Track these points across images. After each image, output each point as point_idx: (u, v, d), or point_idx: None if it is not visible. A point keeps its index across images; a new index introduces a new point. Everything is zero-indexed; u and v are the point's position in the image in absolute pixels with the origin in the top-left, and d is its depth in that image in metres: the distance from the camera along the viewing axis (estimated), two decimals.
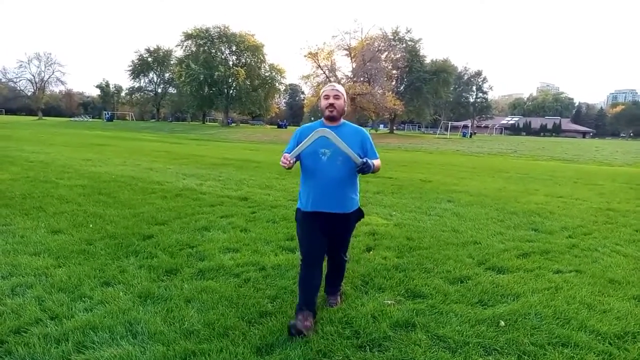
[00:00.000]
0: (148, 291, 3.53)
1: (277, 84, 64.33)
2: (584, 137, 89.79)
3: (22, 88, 74.65)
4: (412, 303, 3.54)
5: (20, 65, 72.79)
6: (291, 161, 2.93)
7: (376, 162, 3.16)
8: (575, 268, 4.57)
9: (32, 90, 73.63)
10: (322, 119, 3.25)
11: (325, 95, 3.17)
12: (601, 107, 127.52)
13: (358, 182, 3.30)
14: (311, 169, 3.12)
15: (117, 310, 3.19)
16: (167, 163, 13.06)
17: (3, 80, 78.57)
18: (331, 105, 3.13)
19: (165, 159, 14.54)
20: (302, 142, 3.00)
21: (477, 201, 8.40)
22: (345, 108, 3.20)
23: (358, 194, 3.31)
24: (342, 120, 3.23)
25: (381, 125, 79.02)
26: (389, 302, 3.53)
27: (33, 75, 72.55)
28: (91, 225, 5.38)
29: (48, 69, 73.28)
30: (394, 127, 59.98)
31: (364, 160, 3.00)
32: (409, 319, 3.24)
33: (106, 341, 2.81)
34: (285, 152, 3.00)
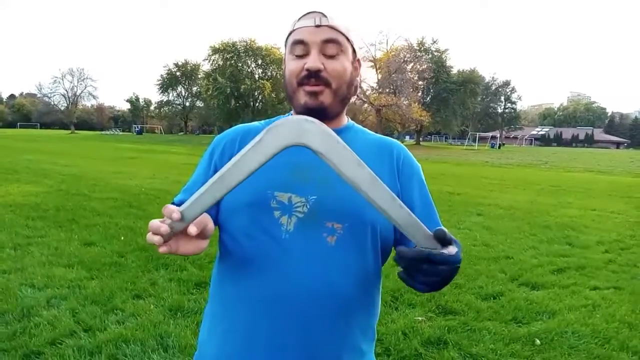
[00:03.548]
0: (178, 304, 3.56)
1: None
2: (618, 147, 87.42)
3: (56, 103, 76.94)
4: (444, 320, 3.47)
5: (55, 80, 75.01)
6: (172, 230, 0.80)
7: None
8: (614, 284, 4.42)
9: (65, 105, 75.85)
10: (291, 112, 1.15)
11: (297, 43, 1.02)
12: (636, 117, 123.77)
13: (380, 298, 1.13)
14: (248, 255, 1.01)
15: (149, 323, 3.22)
16: None
17: (38, 95, 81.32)
18: (314, 75, 1.00)
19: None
20: (225, 166, 0.79)
21: (508, 214, 8.24)
22: (355, 82, 1.10)
23: (375, 334, 1.15)
24: (346, 119, 1.15)
25: (407, 137, 78.63)
26: (420, 318, 3.47)
27: (66, 90, 74.86)
28: (122, 238, 5.48)
29: (80, 84, 75.56)
30: (421, 139, 59.52)
31: (450, 249, 0.79)
32: (440, 336, 3.18)
33: (138, 354, 2.83)
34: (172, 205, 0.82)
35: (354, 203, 0.98)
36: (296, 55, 1.03)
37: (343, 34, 1.03)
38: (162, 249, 0.81)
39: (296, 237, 0.98)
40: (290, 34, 1.06)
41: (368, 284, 1.06)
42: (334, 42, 1.01)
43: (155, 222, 0.79)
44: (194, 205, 0.79)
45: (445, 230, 0.80)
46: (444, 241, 0.80)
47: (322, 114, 1.01)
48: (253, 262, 1.00)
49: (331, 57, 1.01)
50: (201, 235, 0.88)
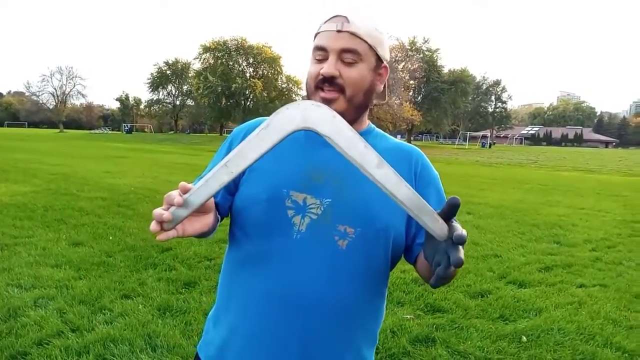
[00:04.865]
0: (167, 304, 3.55)
1: (294, 96, 64.70)
2: (606, 147, 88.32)
3: (45, 101, 76.08)
4: (432, 318, 3.50)
5: (43, 79, 74.07)
6: (175, 218, 0.77)
7: None
8: (600, 282, 4.48)
9: (54, 104, 75.08)
10: None
11: (318, 49, 1.03)
12: (624, 116, 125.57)
13: (384, 304, 1.15)
14: (258, 251, 1.02)
15: (137, 323, 3.21)
16: (186, 175, 13.18)
17: (27, 94, 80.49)
18: (328, 81, 1.00)
19: (185, 171, 14.68)
20: (232, 152, 0.77)
21: (497, 213, 8.30)
22: (377, 89, 1.08)
23: (377, 339, 1.15)
24: (367, 123, 1.14)
25: (398, 136, 78.82)
26: (409, 316, 3.49)
27: (55, 89, 74.07)
28: (111, 238, 5.45)
29: (69, 83, 74.79)
30: (412, 138, 59.69)
31: (458, 230, 0.74)
32: (428, 334, 3.20)
33: (126, 354, 2.82)
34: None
35: (368, 209, 1.00)
36: (316, 59, 1.03)
37: (364, 41, 1.01)
38: (161, 237, 0.78)
39: (307, 238, 0.98)
40: (316, 35, 1.06)
41: (375, 290, 1.06)
42: (351, 52, 1.00)
43: (158, 211, 0.77)
44: (199, 191, 0.77)
45: (456, 203, 0.75)
46: (451, 216, 0.77)
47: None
48: (262, 259, 1.01)
49: (349, 64, 1.01)
50: (204, 209, 0.86)
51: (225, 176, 0.77)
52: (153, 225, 0.76)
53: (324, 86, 1.01)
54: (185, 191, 0.77)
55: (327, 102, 1.00)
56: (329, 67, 0.99)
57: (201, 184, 0.77)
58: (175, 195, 0.76)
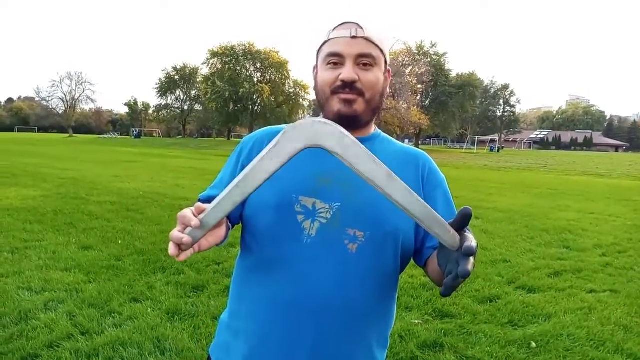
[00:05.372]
0: (175, 307, 3.57)
1: (301, 100, 64.85)
2: (616, 151, 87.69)
3: (54, 106, 76.89)
4: (441, 323, 3.49)
5: (53, 84, 74.97)
6: (193, 239, 0.78)
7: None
8: (610, 288, 4.44)
9: (64, 109, 75.78)
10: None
11: (333, 55, 1.04)
12: (634, 120, 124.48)
13: (395, 307, 1.16)
14: (269, 256, 1.04)
15: (146, 327, 3.23)
16: (194, 179, 13.25)
17: (37, 99, 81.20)
18: (349, 85, 1.02)
19: (192, 175, 14.74)
20: (243, 171, 0.78)
21: (506, 218, 8.26)
22: (386, 92, 1.11)
23: (387, 342, 1.16)
24: (373, 128, 1.16)
25: (406, 140, 78.70)
26: (417, 321, 3.48)
27: (65, 94, 74.72)
28: (120, 242, 5.48)
29: (79, 88, 75.41)
30: (420, 142, 59.60)
31: (468, 241, 0.74)
32: (437, 339, 3.19)
33: (135, 357, 2.84)
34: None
35: (377, 212, 1.01)
36: (330, 65, 1.05)
37: (377, 46, 1.05)
38: (180, 258, 0.79)
39: (317, 242, 0.99)
40: (324, 43, 1.07)
41: (385, 292, 1.07)
42: (366, 57, 1.03)
43: (176, 234, 0.77)
44: (213, 211, 0.79)
45: (468, 213, 0.76)
46: (463, 226, 0.79)
47: (354, 121, 1.04)
48: (273, 264, 1.02)
49: (365, 68, 1.04)
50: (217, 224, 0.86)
51: (238, 197, 0.78)
52: (172, 249, 0.77)
53: (344, 91, 1.03)
54: (199, 212, 0.78)
55: (348, 102, 1.03)
56: (348, 72, 1.01)
57: (215, 205, 0.79)
58: (190, 217, 0.77)
